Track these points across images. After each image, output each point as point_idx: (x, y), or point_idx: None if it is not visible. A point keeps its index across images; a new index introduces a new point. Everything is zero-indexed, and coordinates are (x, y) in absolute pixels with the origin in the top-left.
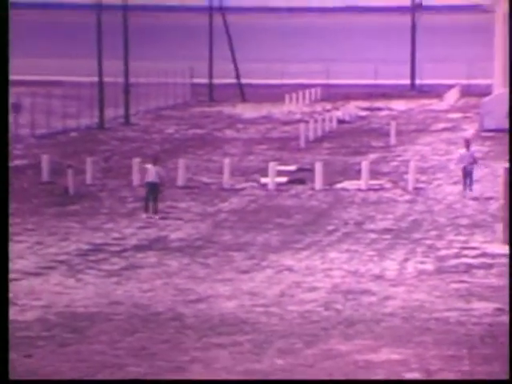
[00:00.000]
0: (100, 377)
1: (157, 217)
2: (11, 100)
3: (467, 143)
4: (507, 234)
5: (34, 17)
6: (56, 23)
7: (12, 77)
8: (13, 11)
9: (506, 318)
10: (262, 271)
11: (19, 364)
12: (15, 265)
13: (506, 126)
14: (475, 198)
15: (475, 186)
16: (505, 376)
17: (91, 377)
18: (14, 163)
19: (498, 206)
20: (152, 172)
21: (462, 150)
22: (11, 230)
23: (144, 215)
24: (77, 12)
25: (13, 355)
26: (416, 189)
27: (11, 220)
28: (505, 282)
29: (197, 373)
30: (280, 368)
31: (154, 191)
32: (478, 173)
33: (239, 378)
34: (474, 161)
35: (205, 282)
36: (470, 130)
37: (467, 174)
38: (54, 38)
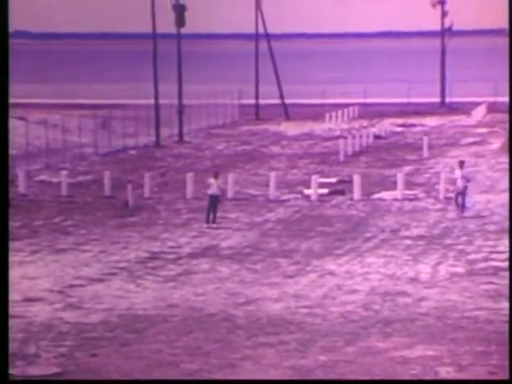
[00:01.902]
0: (157, 374)
1: (215, 225)
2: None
3: (461, 164)
4: None
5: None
6: (115, 51)
7: (76, 100)
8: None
9: None
10: (306, 275)
11: (84, 362)
12: (81, 272)
13: None
14: (502, 205)
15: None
16: None
17: (149, 374)
18: (78, 179)
19: None
20: (214, 185)
21: (457, 171)
22: (78, 240)
23: (205, 225)
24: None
25: (78, 354)
26: (447, 198)
27: (76, 231)
28: None
29: (247, 369)
30: (323, 364)
31: (215, 203)
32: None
33: (286, 373)
34: (468, 181)
35: (253, 286)
36: (496, 144)
37: (460, 194)
38: (113, 65)
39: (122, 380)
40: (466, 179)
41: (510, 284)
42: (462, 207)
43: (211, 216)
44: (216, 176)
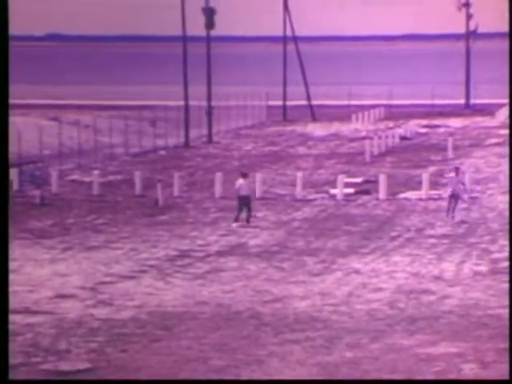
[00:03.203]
0: (186, 369)
1: (247, 224)
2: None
3: (457, 169)
4: None
5: (128, 49)
6: (146, 54)
7: (107, 102)
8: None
9: None
10: (332, 274)
11: (115, 358)
12: (112, 269)
13: None
14: None
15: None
16: None
17: (178, 369)
18: (109, 178)
19: None
20: (244, 186)
21: (452, 175)
22: (108, 238)
23: (234, 224)
24: (165, 44)
25: (109, 350)
26: (471, 198)
27: (107, 229)
28: None
29: (273, 366)
30: (348, 361)
31: (246, 203)
32: None
33: (311, 370)
34: (463, 185)
35: (280, 284)
36: None
37: (453, 198)
38: (144, 67)
39: (125, 380)
40: (461, 184)
41: (510, 284)
42: (453, 211)
43: (245, 215)
44: (245, 176)
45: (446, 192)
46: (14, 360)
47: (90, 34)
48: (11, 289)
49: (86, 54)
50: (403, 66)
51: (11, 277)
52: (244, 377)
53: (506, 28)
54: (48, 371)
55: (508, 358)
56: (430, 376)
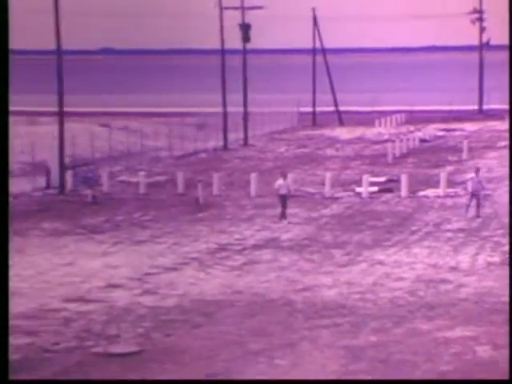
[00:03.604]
0: (225, 352)
1: (286, 221)
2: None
3: (477, 170)
4: None
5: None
6: (188, 65)
7: (153, 109)
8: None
9: None
10: (358, 265)
11: (160, 342)
12: (157, 261)
13: None
14: None
15: None
16: None
17: (218, 353)
18: (154, 179)
19: None
20: (283, 186)
21: (473, 175)
22: (154, 233)
23: (284, 221)
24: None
25: (155, 335)
26: (484, 195)
27: (153, 225)
28: None
29: (304, 349)
30: (373, 344)
31: (284, 201)
32: None
33: (339, 352)
34: (482, 186)
35: (310, 274)
36: None
37: (474, 196)
38: (186, 78)
39: (126, 380)
40: (481, 184)
41: (510, 284)
42: (477, 209)
43: (282, 212)
44: (284, 177)
45: (465, 190)
46: (69, 344)
47: (138, 47)
48: (67, 279)
49: (134, 66)
50: (422, 75)
51: (67, 269)
52: (277, 359)
53: None
54: (99, 354)
55: (508, 358)
56: (448, 358)
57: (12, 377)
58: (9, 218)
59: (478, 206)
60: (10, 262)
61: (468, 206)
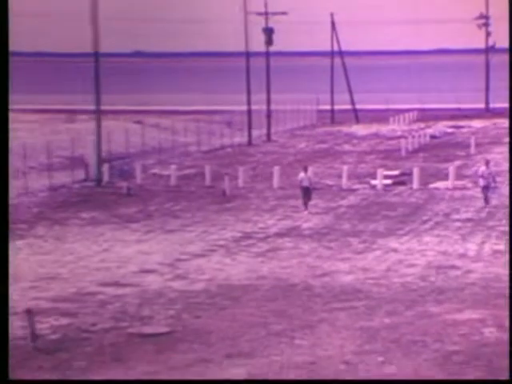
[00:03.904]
0: (250, 333)
1: (306, 212)
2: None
3: (487, 162)
4: None
5: (202, 63)
6: (215, 67)
7: (183, 107)
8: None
9: None
10: (373, 252)
11: (190, 323)
12: (186, 248)
13: None
14: None
15: None
16: None
17: (243, 333)
18: (184, 172)
19: None
20: (305, 179)
21: (483, 168)
22: (184, 222)
23: (305, 212)
24: (230, 58)
25: (185, 316)
26: (492, 188)
27: (183, 215)
28: None
29: (323, 330)
30: (387, 326)
31: (307, 193)
32: None
33: (355, 333)
34: (493, 177)
35: (329, 261)
36: None
37: (485, 188)
38: (213, 78)
39: (120, 380)
40: (492, 176)
41: (510, 284)
42: (486, 199)
43: (305, 203)
44: (306, 170)
45: (475, 183)
46: (105, 325)
47: (168, 51)
48: (104, 265)
49: (164, 67)
50: (433, 76)
51: (104, 255)
52: (298, 340)
53: None
54: (133, 334)
55: (508, 358)
56: (457, 338)
57: (12, 376)
58: (9, 218)
59: (487, 197)
60: (50, 248)
61: (485, 198)
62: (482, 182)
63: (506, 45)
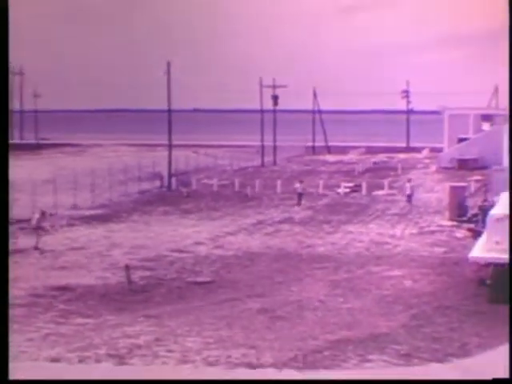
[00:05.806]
0: (262, 282)
1: (298, 208)
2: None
3: (409, 179)
4: None
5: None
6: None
7: (224, 142)
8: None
9: None
10: (338, 233)
11: (225, 275)
12: (223, 229)
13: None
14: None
15: None
16: None
17: (256, 282)
18: (221, 182)
19: None
20: (300, 187)
21: (407, 183)
22: (221, 214)
23: (296, 208)
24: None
25: (221, 272)
26: (408, 195)
27: (221, 209)
28: None
29: (307, 282)
30: (345, 279)
31: (300, 197)
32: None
33: (327, 283)
34: (412, 189)
35: (311, 239)
36: None
37: (408, 196)
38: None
39: (127, 380)
40: (412, 188)
41: (510, 283)
42: (410, 202)
43: (299, 202)
44: (301, 182)
45: (402, 192)
46: (172, 275)
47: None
48: (172, 239)
49: (213, 120)
50: (375, 126)
51: (172, 233)
52: (292, 287)
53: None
54: (190, 282)
55: (508, 358)
56: (389, 286)
57: (11, 376)
58: (8, 218)
59: (410, 200)
60: (140, 228)
61: (408, 201)
62: (407, 191)
63: (420, 108)
